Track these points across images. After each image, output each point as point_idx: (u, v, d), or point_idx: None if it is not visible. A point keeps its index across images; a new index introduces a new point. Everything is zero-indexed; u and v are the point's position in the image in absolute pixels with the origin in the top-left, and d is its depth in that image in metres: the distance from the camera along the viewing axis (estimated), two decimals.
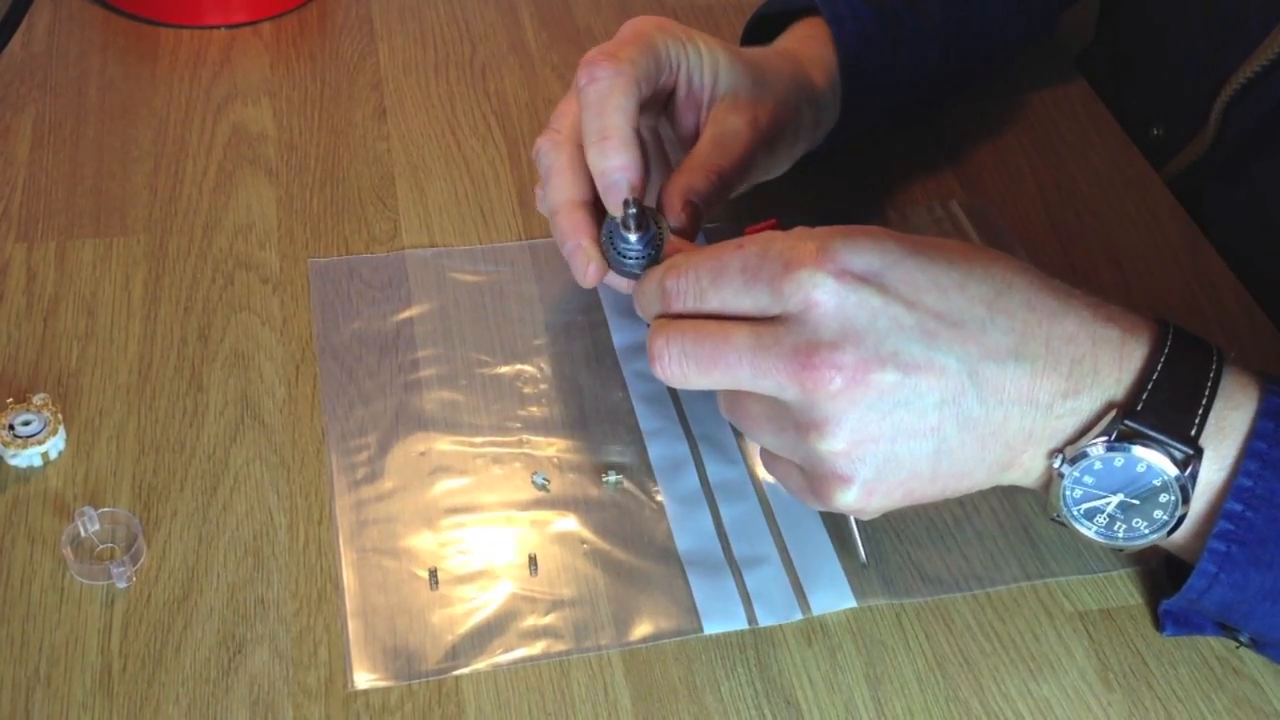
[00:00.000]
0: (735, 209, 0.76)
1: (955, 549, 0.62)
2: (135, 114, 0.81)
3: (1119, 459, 0.52)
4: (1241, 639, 0.58)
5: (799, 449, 0.53)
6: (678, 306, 0.54)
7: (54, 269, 0.71)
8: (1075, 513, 0.55)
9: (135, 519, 0.60)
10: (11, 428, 0.62)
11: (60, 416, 0.63)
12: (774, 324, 0.52)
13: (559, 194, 0.62)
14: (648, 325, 0.56)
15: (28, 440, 0.61)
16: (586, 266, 0.61)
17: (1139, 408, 0.52)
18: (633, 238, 0.59)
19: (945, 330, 0.51)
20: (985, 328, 0.52)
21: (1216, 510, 0.53)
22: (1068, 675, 0.58)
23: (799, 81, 0.70)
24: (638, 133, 0.60)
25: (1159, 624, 0.59)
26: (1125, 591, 0.61)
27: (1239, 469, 0.53)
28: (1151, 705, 0.57)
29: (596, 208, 0.62)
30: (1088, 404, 0.53)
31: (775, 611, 0.59)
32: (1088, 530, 0.55)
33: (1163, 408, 0.52)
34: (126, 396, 0.65)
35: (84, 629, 0.56)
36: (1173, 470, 0.52)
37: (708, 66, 0.65)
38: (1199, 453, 0.52)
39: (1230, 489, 0.53)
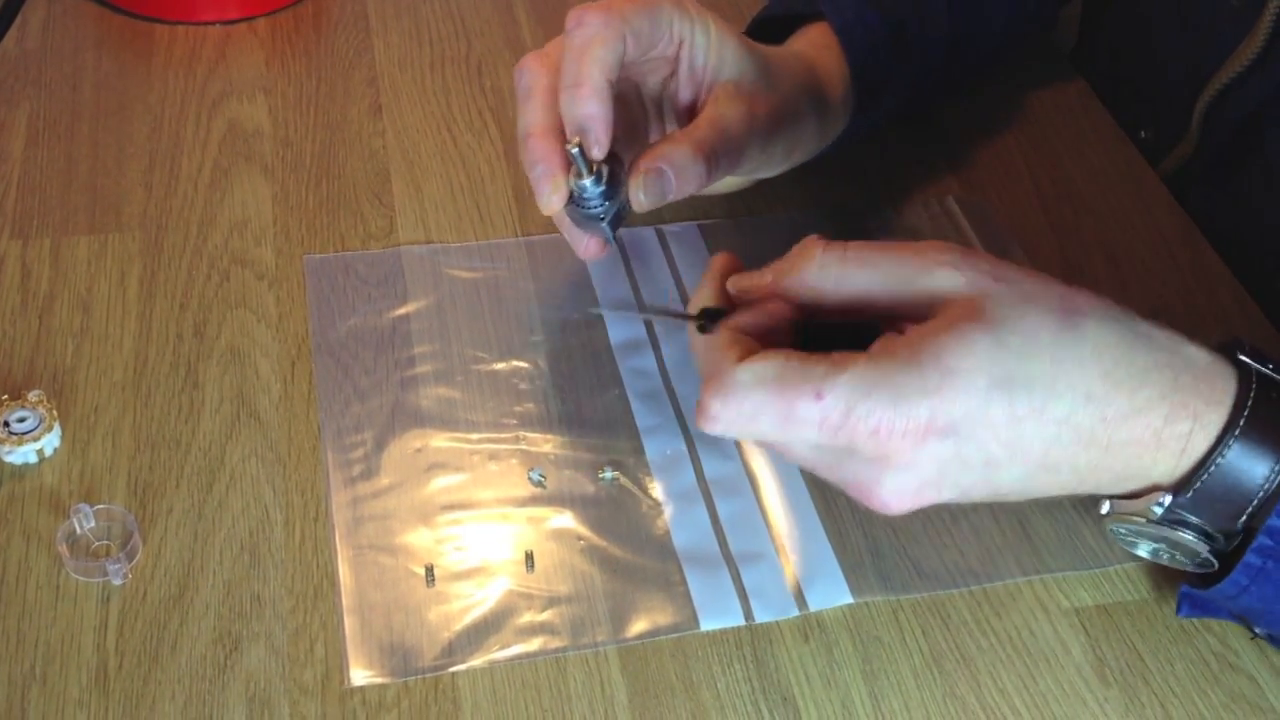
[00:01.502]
0: (732, 204, 0.76)
1: (952, 545, 0.62)
2: (130, 110, 0.81)
3: (1160, 530, 0.54)
4: (1257, 631, 0.58)
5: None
6: (722, 433, 0.52)
7: (49, 265, 0.71)
8: (1123, 540, 0.57)
9: (131, 516, 0.60)
10: (6, 424, 0.61)
11: (55, 413, 0.63)
12: (841, 448, 0.51)
13: (533, 117, 0.62)
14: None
15: (23, 437, 0.61)
16: (551, 195, 0.61)
17: (1189, 495, 0.52)
18: (586, 182, 0.60)
19: (1010, 458, 0.51)
20: (1050, 445, 0.51)
21: (1261, 521, 0.53)
22: (1064, 671, 0.58)
23: (810, 89, 0.69)
24: (612, 85, 0.60)
25: (1176, 604, 0.59)
26: (1122, 587, 0.61)
27: None
28: (1148, 701, 0.57)
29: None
30: (1138, 485, 0.54)
31: (772, 608, 0.59)
32: (1139, 552, 0.57)
33: (1208, 499, 0.52)
34: (122, 393, 0.65)
35: (80, 626, 0.56)
36: (1208, 547, 0.53)
37: (714, 48, 0.64)
38: (1244, 534, 0.53)
39: (1276, 505, 0.52)
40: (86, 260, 0.71)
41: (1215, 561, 0.54)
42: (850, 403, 0.49)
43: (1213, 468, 0.52)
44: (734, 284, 0.56)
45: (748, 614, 0.59)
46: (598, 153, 0.60)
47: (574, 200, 0.61)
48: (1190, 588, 0.58)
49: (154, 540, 0.59)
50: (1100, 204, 0.79)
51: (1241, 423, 0.52)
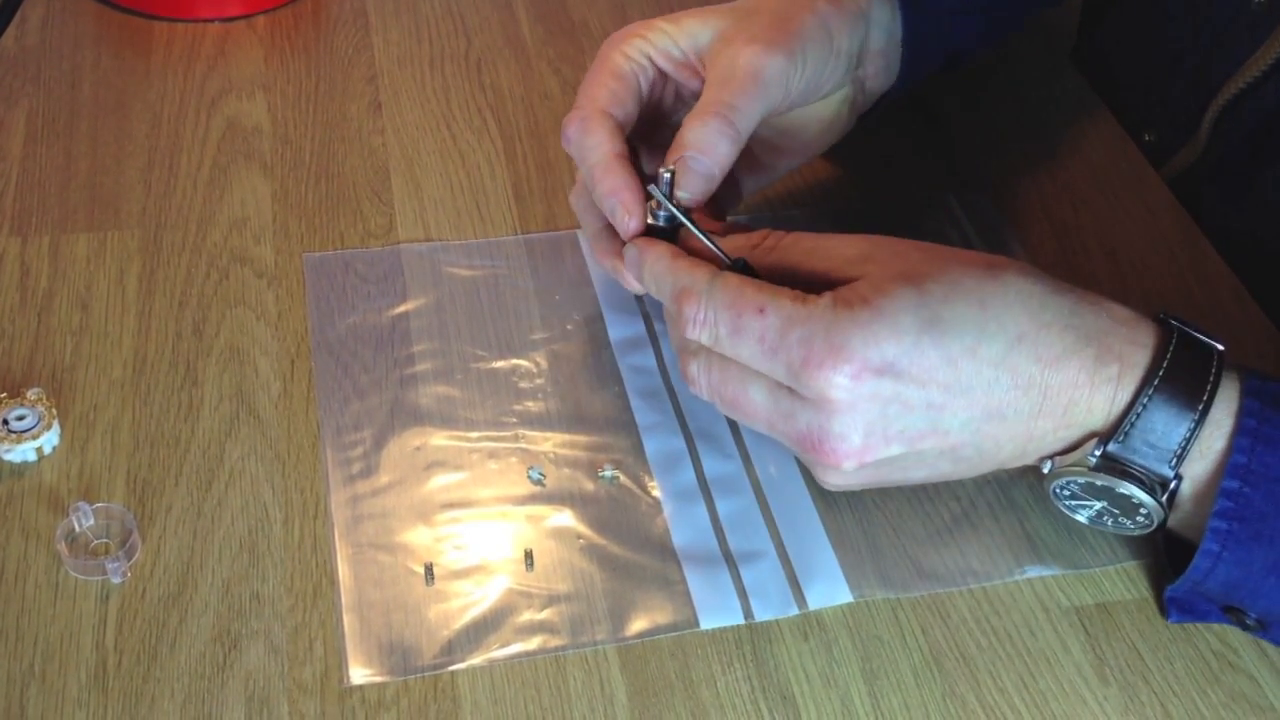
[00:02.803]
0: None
1: (952, 544, 0.62)
2: (129, 108, 0.81)
3: (1099, 479, 0.55)
4: (1249, 621, 0.58)
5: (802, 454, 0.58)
6: (692, 337, 0.57)
7: (48, 263, 0.71)
8: (1065, 505, 0.58)
9: (130, 514, 0.60)
10: (5, 422, 0.61)
11: (54, 411, 0.62)
12: (790, 394, 0.55)
13: (598, 150, 0.62)
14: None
15: (22, 435, 0.61)
16: (628, 220, 0.61)
17: (1121, 438, 0.55)
18: (661, 214, 0.61)
19: (952, 400, 0.54)
20: (991, 388, 0.54)
21: (1214, 488, 0.54)
22: (1064, 670, 0.58)
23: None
24: (623, 157, 0.61)
25: (1164, 611, 0.59)
26: (1121, 586, 0.61)
27: (1233, 445, 0.54)
28: (1148, 700, 0.57)
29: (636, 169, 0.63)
30: (1076, 434, 0.56)
31: (771, 606, 0.59)
32: (1079, 517, 0.59)
33: (1140, 442, 0.54)
34: (121, 391, 0.65)
35: (79, 624, 0.56)
36: (1147, 496, 0.55)
37: (681, 36, 0.64)
38: (1178, 478, 0.55)
39: (1225, 467, 0.54)
40: (85, 258, 0.71)
41: (1154, 519, 0.56)
42: (788, 323, 0.54)
43: (1140, 408, 0.54)
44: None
45: (747, 613, 0.58)
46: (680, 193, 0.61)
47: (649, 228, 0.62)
48: (1172, 588, 0.58)
49: (153, 538, 0.59)
50: (1101, 203, 0.79)
51: (1165, 363, 0.54)
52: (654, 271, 0.59)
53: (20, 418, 0.62)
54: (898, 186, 0.79)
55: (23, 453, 0.61)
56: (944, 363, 0.53)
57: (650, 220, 0.61)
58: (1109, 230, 0.77)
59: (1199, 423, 0.54)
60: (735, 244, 0.60)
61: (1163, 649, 0.59)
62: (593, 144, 0.62)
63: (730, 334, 0.55)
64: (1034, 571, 0.61)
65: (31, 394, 0.63)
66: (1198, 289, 0.74)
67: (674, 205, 0.60)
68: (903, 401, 0.54)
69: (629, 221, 0.61)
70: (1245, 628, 0.58)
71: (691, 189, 0.60)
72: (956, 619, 0.59)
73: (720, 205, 0.67)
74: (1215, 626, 0.59)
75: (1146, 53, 0.86)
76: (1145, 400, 0.54)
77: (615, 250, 0.63)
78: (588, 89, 0.64)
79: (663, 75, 0.65)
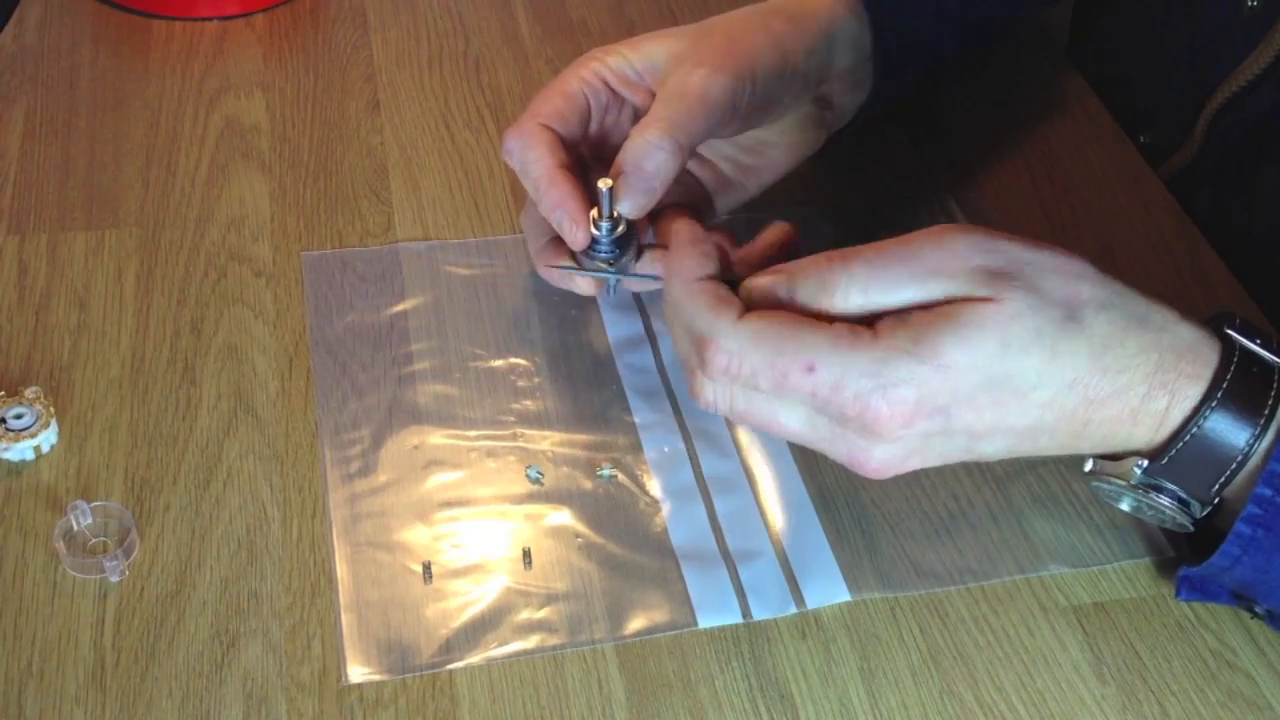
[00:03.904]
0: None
1: (950, 543, 0.62)
2: (127, 107, 0.81)
3: (1138, 493, 0.56)
4: (1258, 610, 0.58)
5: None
6: (724, 390, 0.55)
7: (46, 262, 0.71)
8: (1106, 497, 0.58)
9: (128, 513, 0.60)
10: (3, 421, 0.61)
11: (52, 410, 0.62)
12: (830, 421, 0.53)
13: (540, 164, 0.61)
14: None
15: (20, 434, 0.61)
16: (575, 230, 0.60)
17: (1164, 460, 0.54)
18: (604, 224, 0.60)
19: (992, 433, 0.54)
20: (1034, 434, 0.54)
21: (1248, 491, 0.54)
22: (1062, 669, 0.58)
23: (766, 15, 0.66)
24: (567, 169, 0.61)
25: (1175, 588, 0.59)
26: (1119, 585, 0.61)
27: (1272, 453, 0.53)
28: (1145, 699, 0.57)
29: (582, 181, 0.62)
30: (1119, 450, 0.56)
31: (769, 605, 0.59)
32: (1121, 506, 0.58)
33: (1183, 467, 0.54)
34: (119, 390, 0.65)
35: (76, 623, 0.56)
36: (1183, 515, 0.55)
37: (637, 58, 0.64)
38: (1216, 504, 0.55)
39: (1261, 474, 0.53)
40: (83, 256, 0.71)
41: (1190, 525, 0.56)
42: (841, 381, 0.51)
43: (1188, 437, 0.54)
44: (746, 290, 0.56)
45: (745, 611, 0.59)
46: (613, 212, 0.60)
47: (590, 245, 0.61)
48: (1188, 568, 0.58)
49: (151, 537, 0.59)
50: (1098, 203, 0.79)
51: (1219, 395, 0.53)
52: (673, 298, 0.57)
53: (18, 416, 0.62)
54: (894, 186, 0.79)
55: (21, 451, 0.61)
56: (994, 406, 0.53)
57: (594, 232, 0.61)
58: (1107, 230, 0.78)
59: (1247, 455, 0.53)
60: (750, 252, 0.60)
61: (1160, 648, 0.59)
62: (534, 157, 0.62)
63: (775, 388, 0.53)
64: (1032, 570, 0.61)
65: (29, 392, 0.63)
66: (1196, 289, 0.74)
67: (611, 220, 0.60)
68: (947, 434, 0.53)
69: (576, 232, 0.60)
70: (1253, 614, 0.59)
71: (630, 200, 0.60)
72: (954, 618, 0.59)
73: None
74: (1213, 625, 0.59)
75: (1140, 56, 0.86)
76: (1194, 429, 0.54)
77: (563, 258, 0.63)
78: (532, 105, 0.64)
79: (618, 97, 0.65)
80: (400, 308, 0.70)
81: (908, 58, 0.72)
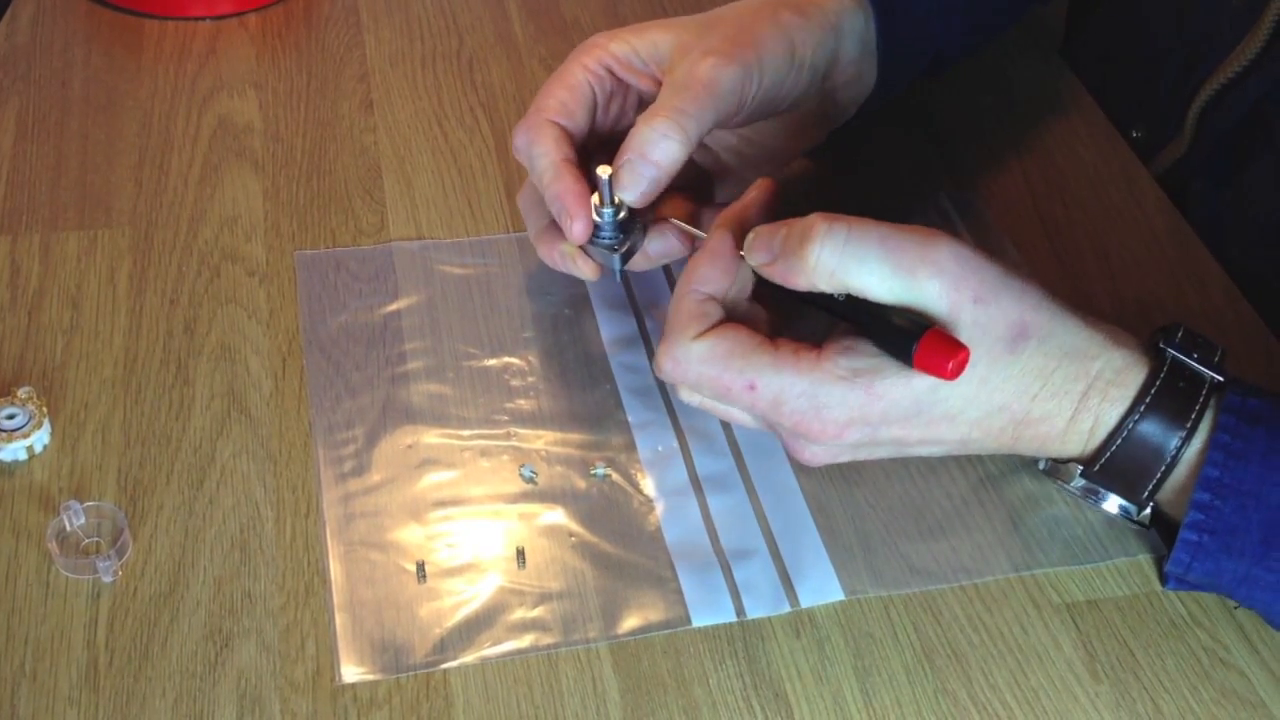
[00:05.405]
0: None
1: (943, 541, 0.62)
2: (120, 106, 0.81)
3: (1084, 495, 0.61)
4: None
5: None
6: (683, 395, 0.60)
7: (38, 262, 0.71)
8: (1075, 497, 0.62)
9: (121, 513, 0.60)
10: None
11: (45, 410, 0.62)
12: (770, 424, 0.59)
13: (545, 159, 0.63)
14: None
15: (12, 434, 0.61)
16: (572, 224, 0.62)
17: (1096, 469, 0.58)
18: (607, 212, 0.62)
19: (925, 446, 0.58)
20: (965, 444, 0.58)
21: (1189, 494, 0.56)
22: (1055, 667, 0.58)
23: (775, 6, 0.66)
24: (572, 163, 0.63)
25: (1162, 579, 0.60)
26: (1112, 583, 0.61)
27: (1205, 459, 0.56)
28: (1139, 696, 0.57)
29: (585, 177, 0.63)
30: (1056, 456, 0.60)
31: (763, 604, 0.59)
32: (1066, 488, 0.62)
33: (1116, 474, 0.58)
34: (112, 389, 0.65)
35: (69, 623, 0.56)
36: (1122, 517, 0.60)
37: (642, 45, 0.65)
38: (1149, 505, 0.59)
39: (1197, 479, 0.55)
40: (76, 256, 0.71)
41: (1146, 524, 0.60)
42: (778, 400, 0.56)
43: (1116, 445, 0.57)
44: (752, 237, 0.59)
45: (739, 610, 0.59)
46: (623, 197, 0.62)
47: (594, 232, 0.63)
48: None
49: (144, 537, 0.59)
50: (1092, 201, 0.79)
51: (1143, 407, 0.56)
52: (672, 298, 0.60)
53: (10, 416, 0.61)
54: (889, 184, 0.79)
55: (13, 451, 0.61)
56: (923, 425, 0.57)
57: (595, 219, 0.62)
58: (1100, 228, 0.78)
59: (1175, 460, 0.57)
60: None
61: (1154, 645, 0.59)
62: (540, 152, 0.63)
63: (718, 399, 0.58)
64: (1025, 569, 0.61)
65: (22, 392, 0.63)
66: (1189, 287, 0.74)
67: (613, 206, 0.62)
68: (876, 442, 0.57)
69: (574, 225, 0.62)
70: (1237, 605, 0.60)
71: (635, 189, 0.61)
72: (948, 616, 0.59)
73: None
74: (1206, 622, 0.59)
75: (1132, 50, 0.87)
76: (1121, 438, 0.57)
77: (560, 243, 0.65)
78: (538, 99, 0.65)
79: (623, 85, 0.66)
80: (394, 307, 0.70)
81: (911, 53, 0.73)
